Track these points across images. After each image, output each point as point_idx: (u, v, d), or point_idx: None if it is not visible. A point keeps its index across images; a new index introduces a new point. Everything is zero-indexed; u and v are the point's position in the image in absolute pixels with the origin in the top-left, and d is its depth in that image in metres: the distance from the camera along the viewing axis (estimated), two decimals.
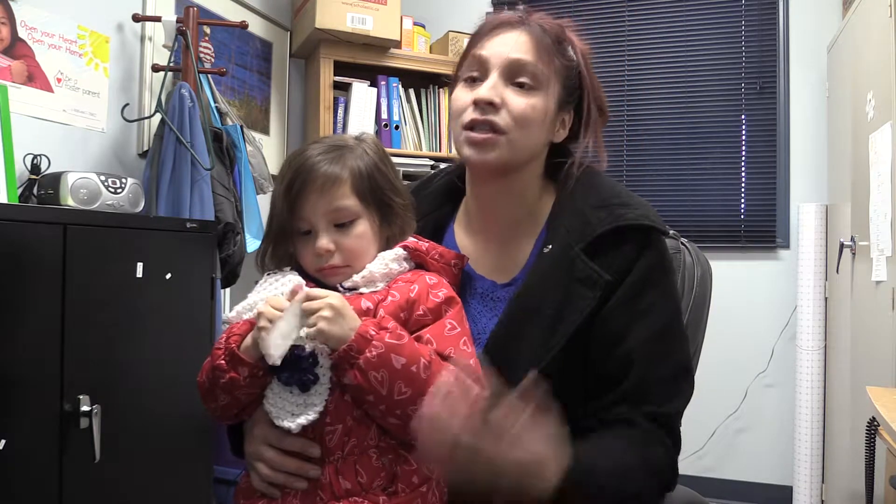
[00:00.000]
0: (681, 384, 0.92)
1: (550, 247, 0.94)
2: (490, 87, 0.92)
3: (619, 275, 0.91)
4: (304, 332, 0.80)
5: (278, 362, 0.78)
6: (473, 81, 0.95)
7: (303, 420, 0.80)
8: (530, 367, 0.87)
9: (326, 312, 0.79)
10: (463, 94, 0.95)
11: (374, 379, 0.78)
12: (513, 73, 0.93)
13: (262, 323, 0.80)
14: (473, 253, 1.02)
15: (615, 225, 0.91)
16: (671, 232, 1.05)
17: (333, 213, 0.87)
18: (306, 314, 0.80)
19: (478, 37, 0.98)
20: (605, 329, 0.90)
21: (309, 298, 0.81)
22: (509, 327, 0.92)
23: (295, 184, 0.87)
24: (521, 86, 0.93)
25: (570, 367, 0.90)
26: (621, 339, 0.89)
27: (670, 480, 0.90)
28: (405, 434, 0.81)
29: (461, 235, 1.05)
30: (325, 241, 0.87)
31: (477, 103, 0.92)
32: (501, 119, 0.92)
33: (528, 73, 0.93)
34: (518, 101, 0.92)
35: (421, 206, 1.04)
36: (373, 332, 0.78)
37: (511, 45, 0.93)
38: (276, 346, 0.78)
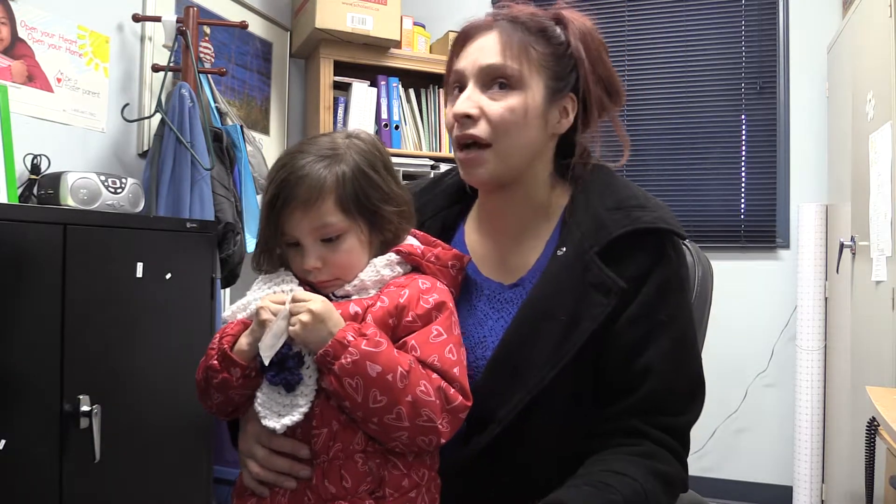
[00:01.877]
0: (695, 395, 0.91)
1: (564, 249, 0.92)
2: (465, 99, 0.91)
3: (635, 282, 0.88)
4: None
5: (266, 361, 0.79)
6: (457, 94, 0.94)
7: (287, 421, 0.79)
8: (542, 372, 0.87)
9: (304, 317, 0.78)
10: (449, 111, 0.95)
11: (348, 385, 0.77)
12: (487, 79, 0.91)
13: (265, 316, 0.80)
14: (482, 253, 1.01)
15: (631, 228, 0.89)
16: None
17: (318, 229, 0.85)
18: (292, 316, 0.80)
19: (455, 49, 0.96)
20: (621, 339, 0.88)
21: (295, 301, 0.80)
22: (521, 331, 0.90)
23: (277, 200, 0.85)
24: (501, 86, 0.91)
25: (581, 372, 0.88)
26: (638, 350, 0.88)
27: (682, 486, 0.90)
28: (386, 441, 0.81)
29: (471, 235, 1.04)
30: (311, 260, 0.86)
31: (457, 118, 0.91)
32: (481, 130, 0.90)
33: (502, 74, 0.90)
34: (494, 107, 0.90)
35: (430, 204, 1.03)
36: (350, 339, 0.78)
37: (480, 49, 0.92)
38: (267, 346, 0.79)
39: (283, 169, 0.87)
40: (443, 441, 0.82)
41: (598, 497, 0.78)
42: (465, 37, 0.95)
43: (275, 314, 0.80)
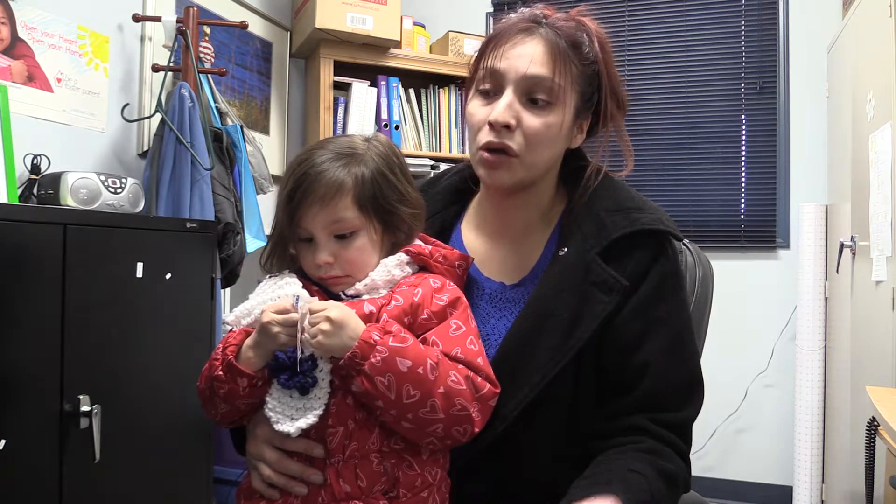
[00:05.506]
0: (693, 391, 0.92)
1: (566, 249, 0.93)
2: (505, 108, 0.89)
3: (635, 280, 0.90)
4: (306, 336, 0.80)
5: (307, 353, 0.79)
6: (488, 94, 0.93)
7: (302, 423, 0.79)
8: (545, 370, 0.87)
9: (325, 326, 0.78)
10: (479, 110, 0.93)
11: (380, 384, 0.77)
12: (528, 89, 0.90)
13: (276, 330, 0.79)
14: (481, 253, 1.01)
15: (632, 230, 0.91)
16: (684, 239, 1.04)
17: (333, 224, 0.86)
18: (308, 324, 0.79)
19: (492, 45, 0.93)
20: (620, 336, 0.89)
21: (312, 311, 0.79)
22: (524, 329, 0.91)
23: (296, 193, 0.86)
24: (535, 102, 0.90)
25: (583, 370, 0.90)
26: (637, 346, 0.89)
27: (685, 484, 0.90)
28: (420, 438, 0.81)
29: (469, 236, 1.04)
30: (324, 255, 0.86)
31: (492, 125, 0.90)
32: (515, 142, 0.90)
33: (544, 88, 0.90)
34: (533, 122, 0.90)
35: (428, 205, 1.03)
36: (376, 337, 0.78)
37: (527, 57, 0.90)
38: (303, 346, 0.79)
39: (303, 164, 0.88)
40: (476, 430, 0.82)
41: (641, 490, 0.79)
42: (503, 35, 0.93)
43: (282, 323, 0.79)
